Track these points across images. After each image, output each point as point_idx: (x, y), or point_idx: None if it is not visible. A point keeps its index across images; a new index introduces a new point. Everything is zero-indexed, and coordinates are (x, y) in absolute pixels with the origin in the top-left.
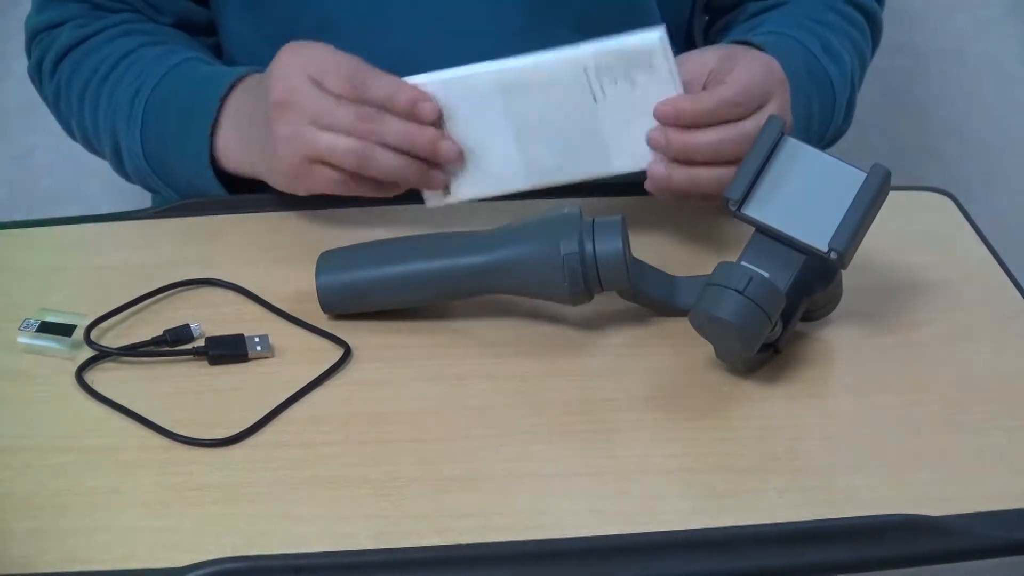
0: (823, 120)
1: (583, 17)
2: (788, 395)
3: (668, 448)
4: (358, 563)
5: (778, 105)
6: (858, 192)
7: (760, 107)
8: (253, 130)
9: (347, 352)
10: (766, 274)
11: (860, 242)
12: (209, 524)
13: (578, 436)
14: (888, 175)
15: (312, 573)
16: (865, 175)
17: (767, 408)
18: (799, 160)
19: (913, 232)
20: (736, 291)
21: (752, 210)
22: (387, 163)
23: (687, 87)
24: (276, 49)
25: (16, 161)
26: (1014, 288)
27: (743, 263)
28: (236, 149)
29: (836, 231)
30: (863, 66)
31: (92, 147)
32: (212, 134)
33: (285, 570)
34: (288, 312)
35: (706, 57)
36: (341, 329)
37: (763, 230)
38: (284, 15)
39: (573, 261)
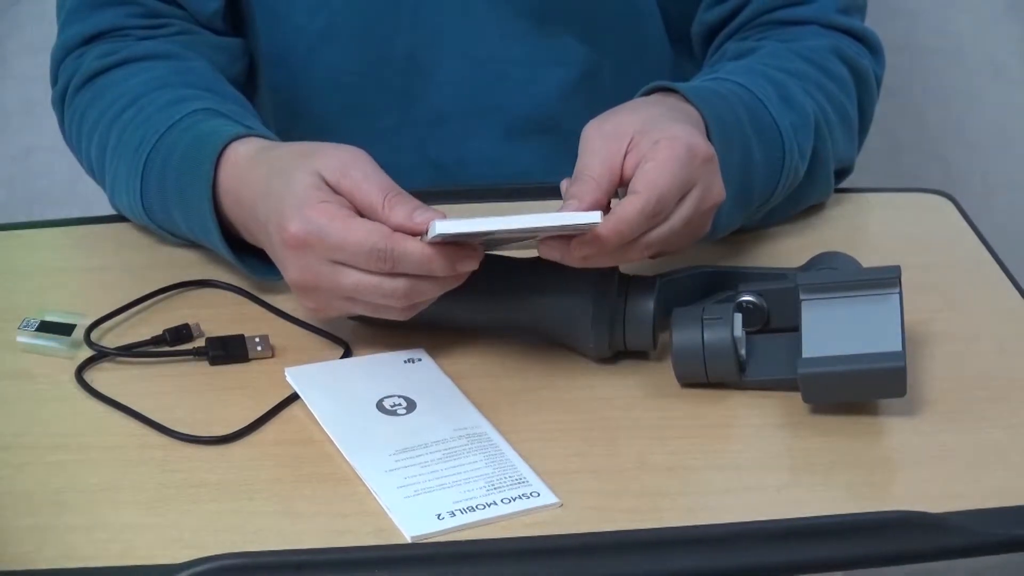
0: (770, 170)
1: (587, 25)
2: (787, 393)
3: (668, 445)
4: (358, 559)
5: (703, 187)
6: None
7: (684, 197)
8: (252, 225)
9: (347, 351)
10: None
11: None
12: (209, 521)
13: (578, 433)
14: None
15: (312, 569)
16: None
17: (766, 406)
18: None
19: (912, 233)
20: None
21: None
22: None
23: (606, 162)
24: (277, 62)
25: (16, 161)
26: (1014, 288)
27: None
28: (239, 226)
29: None
30: (845, 120)
31: (98, 182)
32: (215, 200)
33: (285, 566)
34: (287, 312)
35: (625, 125)
36: (341, 329)
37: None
38: (288, 26)
39: (601, 318)
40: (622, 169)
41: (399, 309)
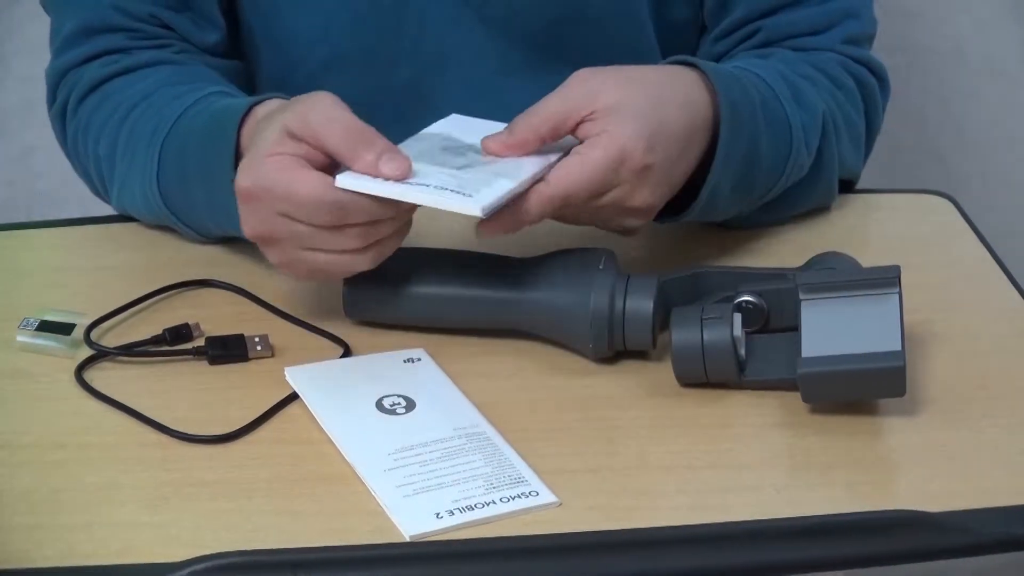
0: (775, 162)
1: (586, 56)
2: (786, 393)
3: (667, 445)
4: (356, 558)
5: (624, 192)
6: None
7: (600, 195)
8: None
9: (346, 351)
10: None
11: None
12: (207, 520)
13: (577, 433)
14: None
15: (311, 568)
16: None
17: (765, 405)
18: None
19: (912, 233)
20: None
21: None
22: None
23: (557, 116)
24: (279, 89)
25: (16, 161)
26: (1013, 288)
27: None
28: None
29: None
30: (852, 129)
31: (104, 190)
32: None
33: (283, 565)
34: (287, 312)
35: (603, 94)
36: (340, 328)
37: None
38: (290, 55)
39: (600, 317)
40: (574, 128)
41: (362, 258)
